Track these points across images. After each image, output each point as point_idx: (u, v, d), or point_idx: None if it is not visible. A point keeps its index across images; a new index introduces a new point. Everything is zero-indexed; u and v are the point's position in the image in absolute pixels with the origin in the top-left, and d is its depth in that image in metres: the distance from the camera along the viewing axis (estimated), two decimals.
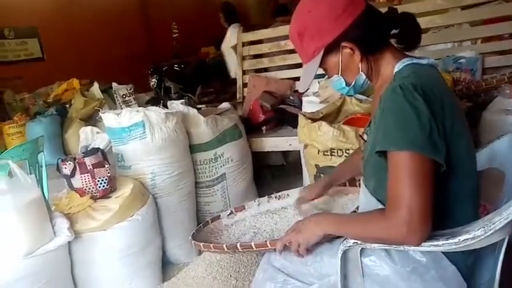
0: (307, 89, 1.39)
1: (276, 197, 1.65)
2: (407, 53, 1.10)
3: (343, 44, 1.04)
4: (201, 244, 1.31)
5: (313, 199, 1.50)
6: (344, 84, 1.12)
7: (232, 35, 4.38)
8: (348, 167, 1.52)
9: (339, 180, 1.53)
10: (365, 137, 1.24)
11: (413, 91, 0.91)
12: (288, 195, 1.66)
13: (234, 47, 4.32)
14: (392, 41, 1.11)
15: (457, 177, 0.98)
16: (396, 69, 1.04)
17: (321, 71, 1.13)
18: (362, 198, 1.17)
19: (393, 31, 1.09)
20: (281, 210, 1.59)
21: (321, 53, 1.06)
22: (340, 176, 1.53)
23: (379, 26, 1.06)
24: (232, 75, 4.58)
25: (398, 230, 0.90)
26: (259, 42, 3.91)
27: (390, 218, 0.91)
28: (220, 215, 1.59)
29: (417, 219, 0.88)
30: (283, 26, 3.66)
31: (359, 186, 1.52)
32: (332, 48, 1.06)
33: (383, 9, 1.09)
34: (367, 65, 1.08)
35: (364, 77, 1.10)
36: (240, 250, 1.21)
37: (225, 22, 4.47)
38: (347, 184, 1.60)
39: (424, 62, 1.05)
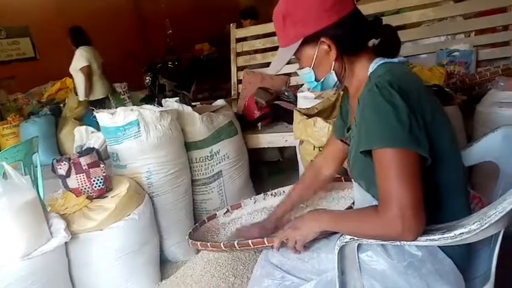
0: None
1: (272, 194, 1.66)
2: None
3: (322, 39, 1.04)
4: (198, 243, 1.31)
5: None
6: (313, 79, 1.12)
7: (79, 57, 4.31)
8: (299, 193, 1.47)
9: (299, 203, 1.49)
10: (348, 141, 1.23)
11: (389, 88, 0.92)
12: (283, 192, 1.66)
13: (83, 69, 4.28)
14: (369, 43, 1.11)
15: (443, 169, 0.99)
16: (370, 70, 1.05)
17: None
18: (357, 195, 1.18)
19: (373, 40, 1.10)
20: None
21: (299, 41, 1.06)
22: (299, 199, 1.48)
23: (361, 32, 1.07)
24: (81, 97, 4.48)
25: (392, 227, 0.90)
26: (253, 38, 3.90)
27: (384, 215, 0.92)
28: (216, 214, 1.59)
29: (410, 215, 0.89)
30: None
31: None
32: (310, 40, 1.06)
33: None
34: (340, 65, 1.08)
35: (334, 76, 1.09)
36: (238, 248, 1.21)
37: (73, 45, 4.39)
38: (343, 179, 1.60)
39: (395, 60, 1.06)
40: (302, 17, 1.04)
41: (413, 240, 0.91)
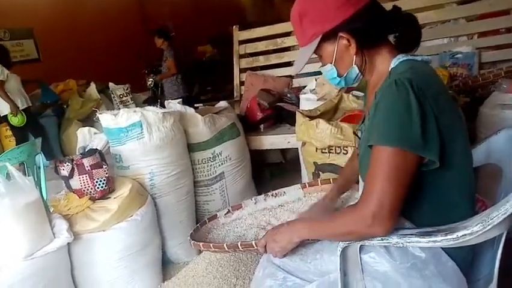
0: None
1: (272, 195, 1.66)
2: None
3: (340, 34, 1.03)
4: (201, 244, 1.31)
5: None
6: (335, 75, 1.11)
7: None
8: (345, 178, 1.48)
9: (343, 191, 1.49)
10: (359, 133, 1.23)
11: (408, 87, 0.91)
12: (284, 192, 1.66)
13: None
14: (390, 37, 1.10)
15: (454, 172, 0.98)
16: (392, 65, 1.04)
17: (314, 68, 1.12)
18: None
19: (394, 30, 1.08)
20: (278, 207, 1.59)
21: (318, 38, 1.06)
22: (341, 189, 1.48)
23: (380, 23, 1.05)
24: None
25: (364, 221, 0.92)
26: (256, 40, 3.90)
27: (359, 209, 0.94)
28: (217, 214, 1.59)
29: (386, 214, 0.91)
30: (277, 24, 3.64)
31: (357, 183, 1.53)
32: (329, 36, 1.05)
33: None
34: (361, 58, 1.07)
35: (357, 70, 1.09)
36: (241, 249, 1.21)
37: None
38: None
39: (419, 58, 1.05)
40: (319, 15, 1.04)
41: (380, 236, 0.94)
